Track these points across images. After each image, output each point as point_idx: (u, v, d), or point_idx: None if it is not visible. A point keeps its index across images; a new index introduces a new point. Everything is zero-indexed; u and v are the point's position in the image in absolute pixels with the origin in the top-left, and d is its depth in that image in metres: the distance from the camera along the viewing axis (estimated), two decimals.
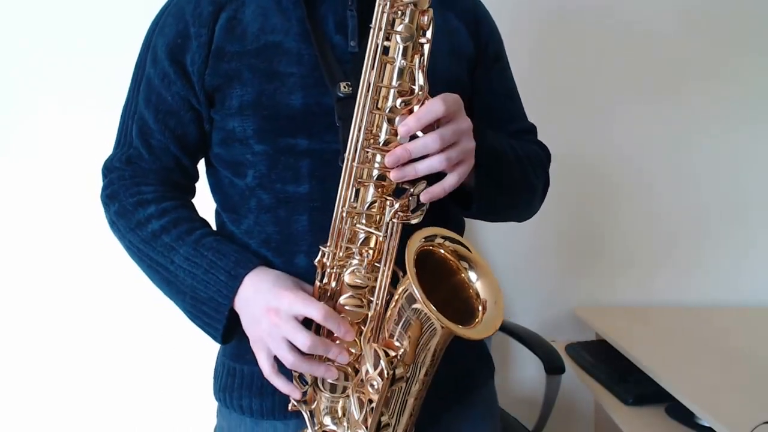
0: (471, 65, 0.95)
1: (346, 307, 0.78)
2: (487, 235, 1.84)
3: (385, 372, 0.73)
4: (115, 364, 1.73)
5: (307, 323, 0.78)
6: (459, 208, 0.89)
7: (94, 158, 1.56)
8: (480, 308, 0.77)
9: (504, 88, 1.02)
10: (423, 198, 0.75)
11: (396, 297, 0.76)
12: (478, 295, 0.78)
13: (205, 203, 0.98)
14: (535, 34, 1.81)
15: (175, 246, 0.85)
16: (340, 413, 0.81)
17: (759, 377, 1.42)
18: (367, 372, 0.75)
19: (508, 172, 0.89)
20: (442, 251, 0.79)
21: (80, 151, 1.63)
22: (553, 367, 1.51)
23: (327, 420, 0.82)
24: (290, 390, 0.81)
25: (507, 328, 1.66)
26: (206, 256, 0.84)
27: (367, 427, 0.76)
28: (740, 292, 1.94)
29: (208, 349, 0.99)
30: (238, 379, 0.91)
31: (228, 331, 0.85)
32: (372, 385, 0.74)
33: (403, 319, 0.75)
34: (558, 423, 1.71)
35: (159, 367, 1.73)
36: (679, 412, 1.42)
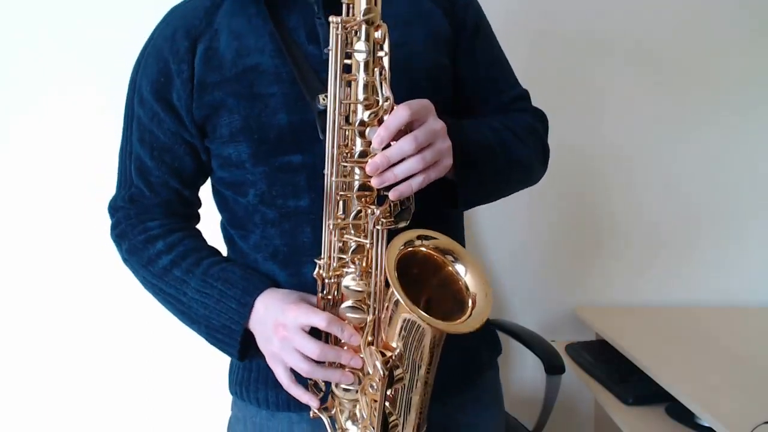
0: (450, 46, 0.95)
1: (347, 314, 0.81)
2: (487, 235, 1.84)
3: (380, 372, 0.75)
4: (128, 363, 1.74)
5: (318, 334, 0.81)
6: (449, 207, 0.89)
7: (93, 157, 1.57)
8: (469, 299, 0.79)
9: (489, 56, 1.00)
10: (391, 196, 0.76)
11: (386, 303, 0.78)
12: (467, 286, 0.80)
13: (211, 215, 1.02)
14: (529, 33, 1.80)
15: (185, 279, 0.90)
16: (359, 415, 0.84)
17: (759, 377, 1.42)
18: (368, 374, 0.78)
19: (492, 160, 0.88)
20: (424, 249, 0.81)
21: (79, 151, 1.64)
22: (553, 367, 1.51)
23: (348, 423, 0.85)
24: (309, 399, 0.84)
25: (507, 328, 1.65)
26: (215, 286, 0.88)
27: (374, 428, 0.79)
28: (741, 292, 1.93)
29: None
30: (254, 372, 0.94)
31: (244, 349, 0.89)
32: (372, 386, 0.77)
33: (395, 322, 0.77)
34: (558, 423, 1.71)
35: (173, 363, 1.74)
36: (679, 412, 1.42)
